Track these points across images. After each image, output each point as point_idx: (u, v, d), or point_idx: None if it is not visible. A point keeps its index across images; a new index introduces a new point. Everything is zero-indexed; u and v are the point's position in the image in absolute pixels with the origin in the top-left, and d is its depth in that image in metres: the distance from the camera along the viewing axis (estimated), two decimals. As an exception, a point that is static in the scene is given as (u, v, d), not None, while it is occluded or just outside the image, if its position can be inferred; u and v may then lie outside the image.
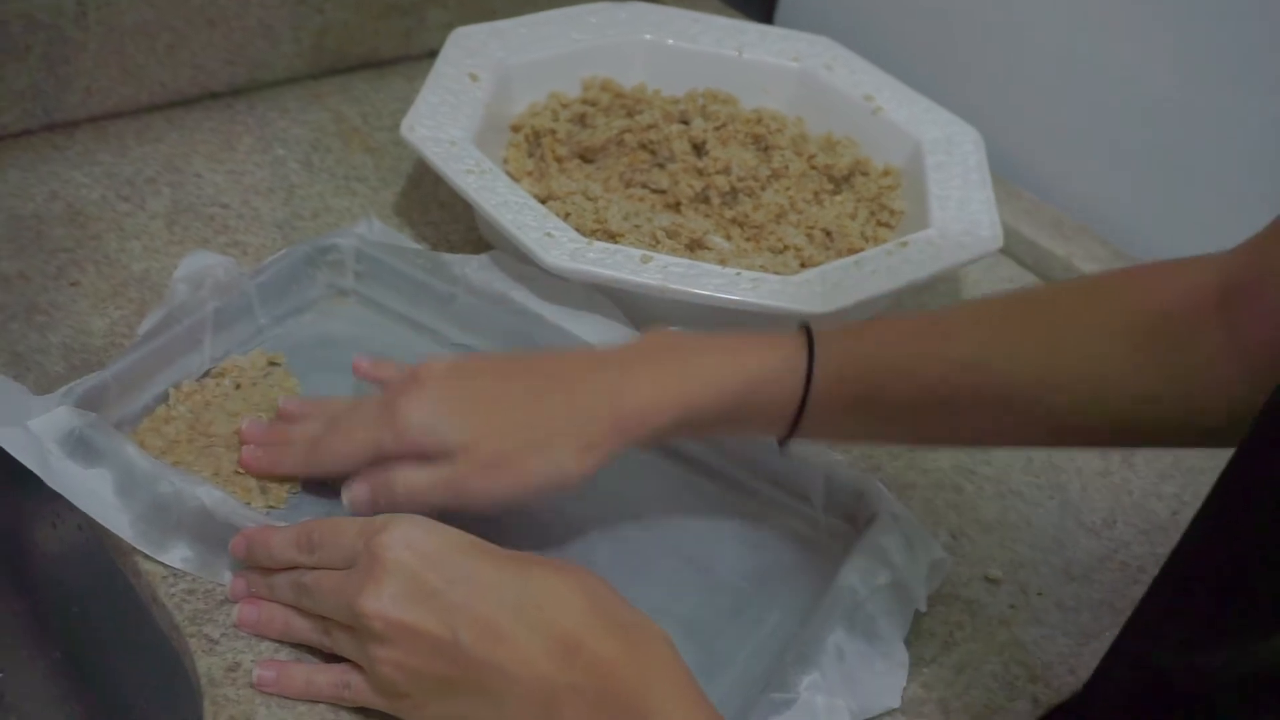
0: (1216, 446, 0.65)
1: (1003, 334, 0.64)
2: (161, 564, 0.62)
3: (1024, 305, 0.66)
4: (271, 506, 0.66)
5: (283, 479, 0.67)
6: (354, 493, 0.64)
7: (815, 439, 0.67)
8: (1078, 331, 0.63)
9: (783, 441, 0.66)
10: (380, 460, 0.63)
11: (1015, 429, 0.64)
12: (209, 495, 0.61)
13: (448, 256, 0.79)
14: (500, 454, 0.62)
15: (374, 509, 0.62)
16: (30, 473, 0.63)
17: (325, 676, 0.58)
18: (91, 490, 0.62)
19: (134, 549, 0.62)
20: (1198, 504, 0.79)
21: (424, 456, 0.62)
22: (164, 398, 0.70)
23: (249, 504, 0.65)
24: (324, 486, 0.68)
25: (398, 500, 0.62)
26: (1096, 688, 0.57)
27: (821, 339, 0.64)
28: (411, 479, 0.62)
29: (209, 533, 0.62)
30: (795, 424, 0.64)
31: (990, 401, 0.63)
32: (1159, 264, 0.65)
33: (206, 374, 0.72)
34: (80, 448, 0.63)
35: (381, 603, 0.54)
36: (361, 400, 0.67)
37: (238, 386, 0.71)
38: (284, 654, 0.60)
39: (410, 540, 0.55)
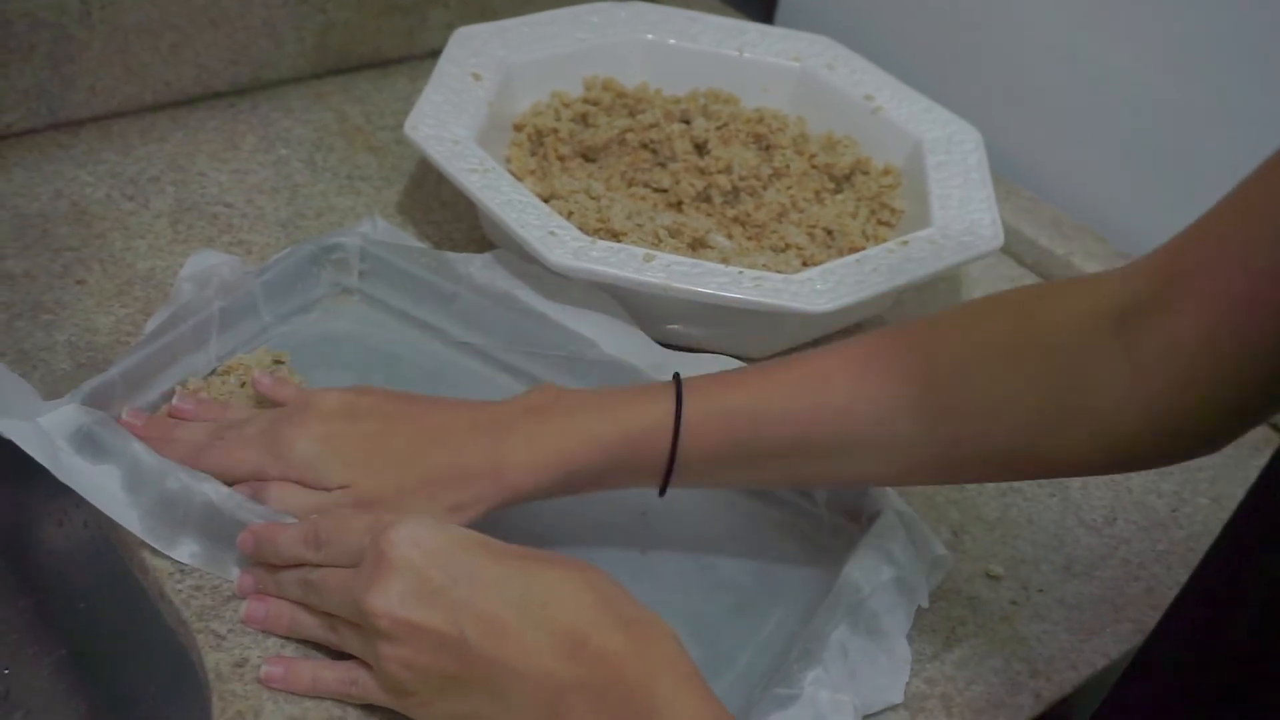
0: (1118, 473, 0.65)
1: (875, 374, 0.62)
2: (169, 560, 0.63)
3: (899, 339, 0.64)
4: None
5: None
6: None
7: (693, 486, 0.66)
8: (961, 358, 0.62)
9: (662, 491, 0.66)
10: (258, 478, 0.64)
11: (903, 467, 0.64)
12: (216, 491, 0.62)
13: (451, 255, 0.79)
14: (375, 498, 0.62)
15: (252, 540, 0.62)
16: (36, 470, 0.63)
17: (332, 673, 0.58)
18: (101, 486, 0.63)
19: (141, 545, 0.63)
20: (1196, 501, 0.80)
21: (302, 483, 0.63)
22: (170, 396, 0.70)
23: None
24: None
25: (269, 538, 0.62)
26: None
27: (692, 390, 0.64)
28: (286, 498, 0.63)
29: (216, 528, 0.62)
30: (668, 475, 0.64)
31: (871, 444, 0.62)
32: (1054, 284, 0.65)
33: (212, 372, 0.72)
34: (89, 444, 0.63)
35: (388, 601, 0.54)
36: (249, 417, 0.67)
37: (243, 384, 0.72)
38: (290, 650, 0.60)
39: (417, 538, 0.55)
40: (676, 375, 0.65)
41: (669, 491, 0.72)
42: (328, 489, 0.63)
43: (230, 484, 0.63)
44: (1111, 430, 0.59)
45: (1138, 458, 0.61)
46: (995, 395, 0.60)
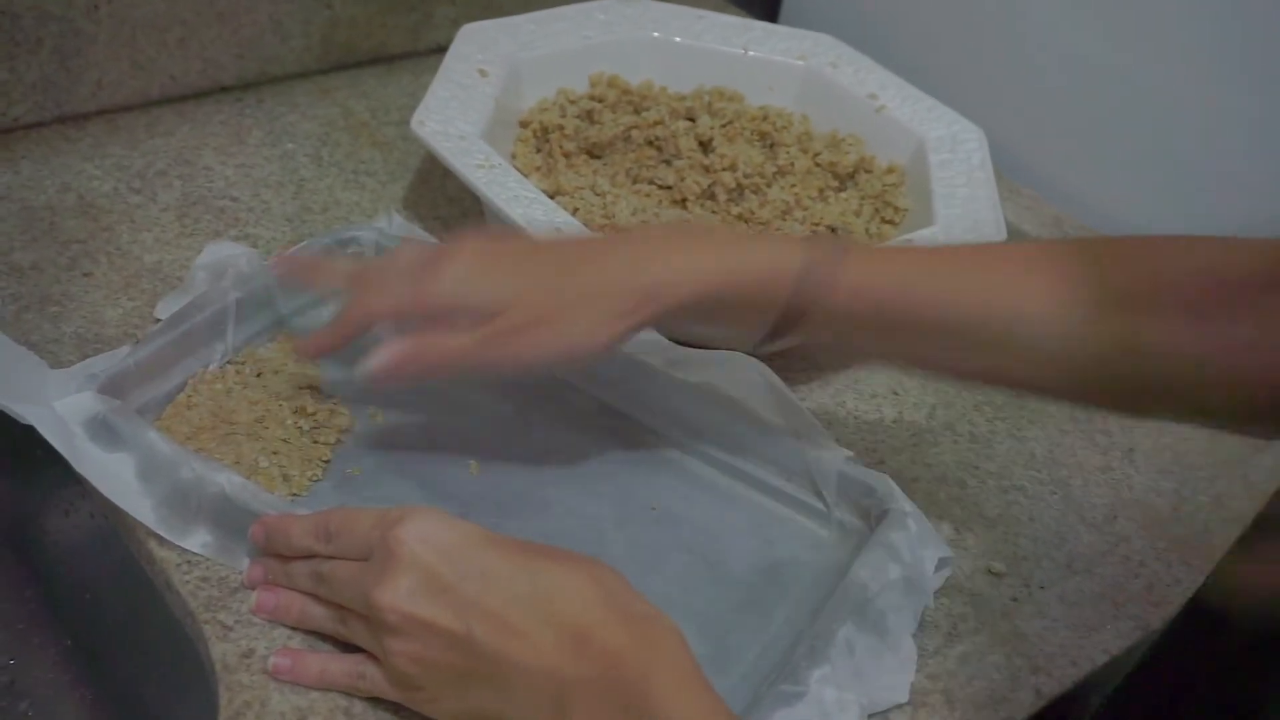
0: (1246, 431, 0.64)
1: (1054, 274, 0.61)
2: (176, 551, 0.63)
3: (1075, 251, 0.63)
4: (294, 494, 0.67)
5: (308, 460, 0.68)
6: (379, 358, 0.63)
7: (826, 342, 0.67)
8: (1151, 276, 0.60)
9: (789, 335, 0.64)
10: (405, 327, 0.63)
11: (1067, 376, 0.62)
12: (229, 481, 0.62)
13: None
14: (536, 315, 0.62)
15: (398, 373, 0.63)
16: (43, 461, 0.64)
17: (340, 666, 0.59)
18: (115, 475, 0.63)
19: (148, 536, 0.63)
20: (1197, 499, 0.80)
21: (454, 323, 0.62)
22: (185, 386, 0.70)
23: (271, 490, 0.66)
24: (347, 475, 0.69)
25: (428, 363, 0.62)
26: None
27: (852, 250, 0.63)
28: (443, 343, 0.62)
29: (229, 519, 0.62)
30: (802, 317, 0.63)
31: (1035, 340, 0.61)
32: (1220, 238, 0.63)
33: (228, 362, 0.72)
34: (103, 432, 0.64)
35: (396, 596, 0.55)
36: (392, 257, 0.66)
37: (259, 375, 0.72)
38: (298, 641, 0.61)
39: (425, 534, 0.56)
40: (833, 228, 0.64)
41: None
42: (487, 311, 0.61)
43: (370, 325, 0.63)
44: (1226, 390, 0.58)
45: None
46: (1176, 324, 0.58)
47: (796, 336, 0.64)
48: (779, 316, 0.63)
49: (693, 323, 0.66)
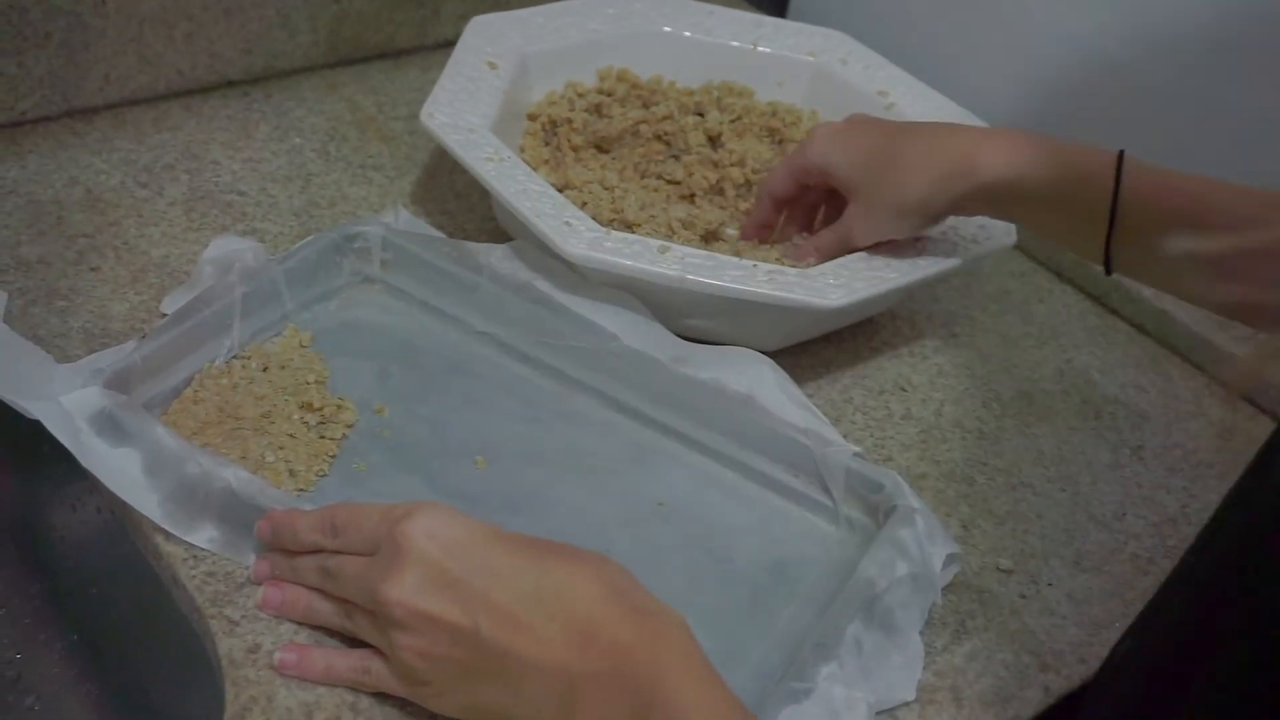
0: None
1: None
2: (182, 546, 0.63)
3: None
4: (300, 489, 0.66)
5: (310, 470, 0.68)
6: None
7: (1129, 267, 0.71)
8: None
9: (1107, 258, 0.70)
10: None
11: None
12: (236, 476, 0.62)
13: (473, 245, 0.79)
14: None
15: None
16: (49, 456, 0.64)
17: (346, 661, 0.59)
18: (121, 470, 0.63)
19: (154, 531, 0.63)
20: (1206, 497, 0.80)
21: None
22: (191, 381, 0.70)
23: (277, 486, 0.65)
24: (353, 470, 0.69)
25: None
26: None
27: (1137, 162, 0.69)
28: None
29: (235, 514, 0.62)
30: (1113, 221, 0.68)
31: None
32: None
33: (234, 357, 0.72)
34: (109, 427, 0.64)
35: (404, 591, 0.54)
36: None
37: (265, 369, 0.72)
38: (304, 637, 0.61)
39: (432, 529, 0.56)
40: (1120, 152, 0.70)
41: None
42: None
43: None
44: None
45: None
46: None
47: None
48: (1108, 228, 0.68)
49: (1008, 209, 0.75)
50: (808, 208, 0.86)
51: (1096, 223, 0.70)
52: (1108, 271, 0.71)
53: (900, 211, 0.76)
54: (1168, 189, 0.68)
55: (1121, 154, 0.69)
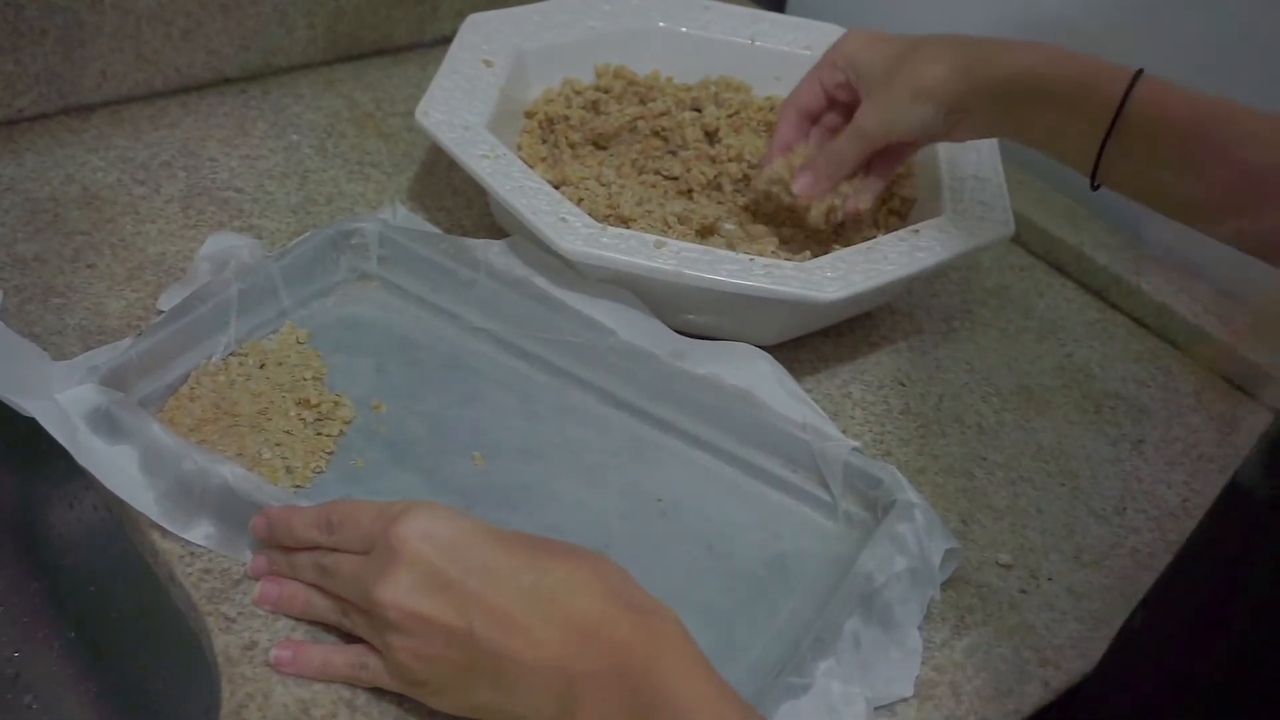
0: None
1: None
2: (179, 543, 0.63)
3: None
4: (297, 486, 0.66)
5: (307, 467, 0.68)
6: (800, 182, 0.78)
7: (1120, 184, 0.71)
8: None
9: (1094, 171, 0.70)
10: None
11: None
12: (232, 473, 0.62)
13: (470, 241, 0.79)
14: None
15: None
16: (47, 454, 0.64)
17: (342, 657, 0.58)
18: (117, 467, 0.63)
19: (151, 528, 0.63)
20: (1207, 491, 0.80)
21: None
22: (187, 378, 0.70)
23: (274, 482, 0.65)
24: (350, 467, 0.69)
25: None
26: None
27: (1150, 78, 0.69)
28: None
29: (232, 511, 0.62)
30: (1112, 126, 0.68)
31: None
32: None
33: (231, 354, 0.72)
34: (106, 425, 0.64)
35: (397, 593, 0.54)
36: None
37: (261, 366, 0.72)
38: (300, 633, 0.60)
39: (426, 530, 0.55)
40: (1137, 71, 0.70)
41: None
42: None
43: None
44: None
45: None
46: None
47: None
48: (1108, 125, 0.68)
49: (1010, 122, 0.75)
50: (828, 130, 0.85)
51: (1099, 130, 0.69)
52: (1093, 185, 0.71)
53: (915, 94, 0.76)
54: (1183, 101, 0.68)
55: (1139, 71, 0.69)
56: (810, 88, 0.84)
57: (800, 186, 0.82)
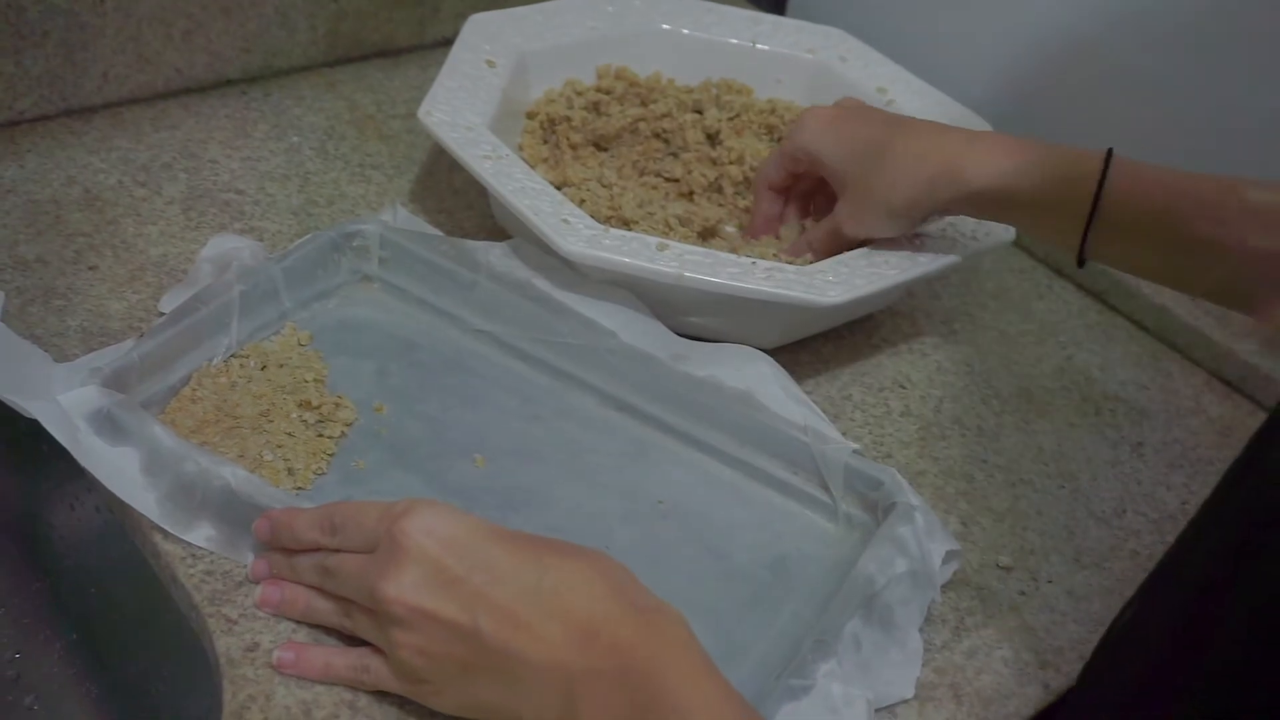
0: None
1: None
2: (180, 545, 0.63)
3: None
4: (299, 488, 0.66)
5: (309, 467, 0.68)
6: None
7: (1107, 259, 0.72)
8: None
9: (1081, 253, 0.71)
10: None
11: None
12: (234, 475, 0.62)
13: (471, 243, 0.79)
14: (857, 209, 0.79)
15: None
16: (48, 455, 0.64)
17: (344, 659, 0.59)
18: (119, 469, 0.63)
19: (153, 530, 0.63)
20: (1206, 494, 0.80)
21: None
22: (189, 379, 0.70)
23: (275, 484, 0.65)
24: (352, 468, 0.69)
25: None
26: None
27: (1121, 161, 0.70)
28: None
29: (233, 513, 0.62)
30: (1090, 221, 0.69)
31: None
32: None
33: (232, 356, 0.72)
34: (107, 426, 0.64)
35: (402, 589, 0.54)
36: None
37: (263, 368, 0.72)
38: (302, 635, 0.60)
39: (431, 527, 0.55)
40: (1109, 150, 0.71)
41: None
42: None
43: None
44: None
45: None
46: None
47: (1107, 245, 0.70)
48: (1085, 224, 0.69)
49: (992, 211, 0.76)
50: (803, 196, 0.87)
51: (1079, 223, 0.70)
52: (1079, 264, 0.72)
53: (889, 213, 0.77)
54: (1157, 185, 0.69)
55: (1109, 153, 0.70)
56: (778, 167, 0.85)
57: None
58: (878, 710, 0.62)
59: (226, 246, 0.76)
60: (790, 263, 0.78)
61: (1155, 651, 0.53)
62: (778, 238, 0.85)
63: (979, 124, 0.93)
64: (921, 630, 0.66)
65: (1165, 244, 0.68)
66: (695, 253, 0.74)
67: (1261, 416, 0.88)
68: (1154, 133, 0.99)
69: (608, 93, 0.94)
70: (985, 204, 0.75)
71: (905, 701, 0.63)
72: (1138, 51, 0.98)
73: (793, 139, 0.82)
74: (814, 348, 0.84)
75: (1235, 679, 0.47)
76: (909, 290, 0.90)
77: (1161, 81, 0.97)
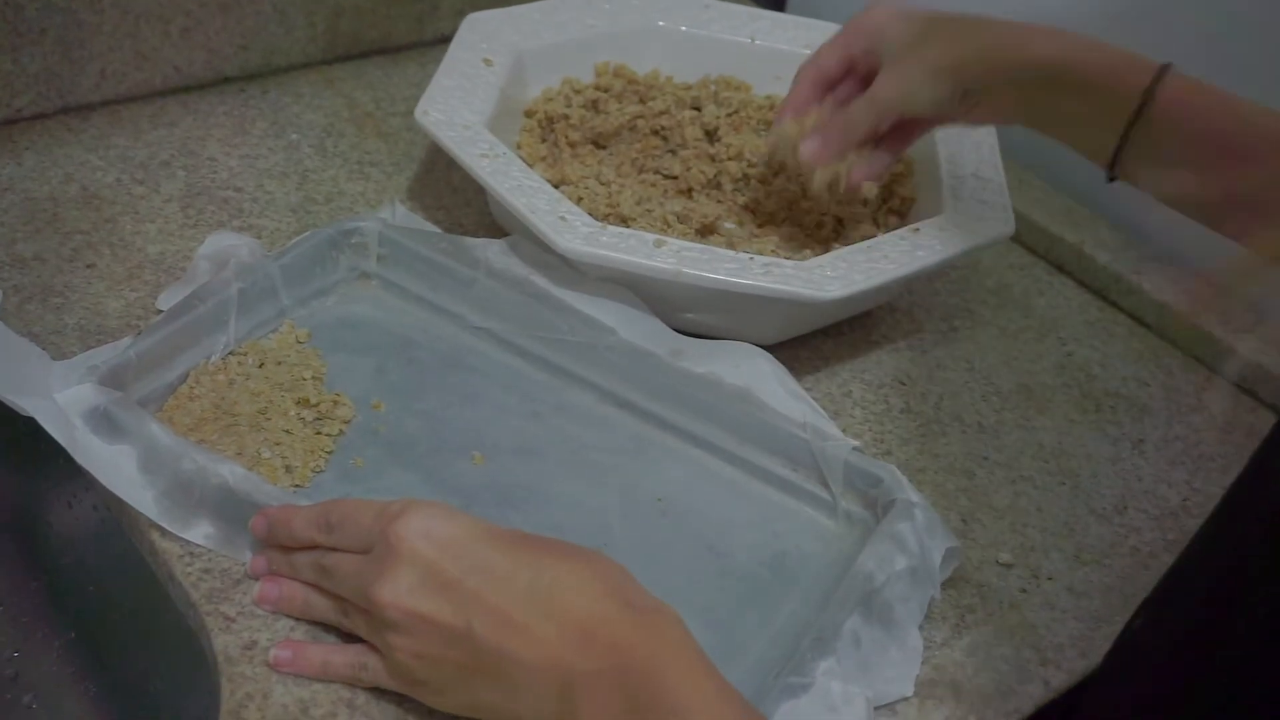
0: None
1: None
2: (178, 543, 0.63)
3: None
4: (297, 485, 0.66)
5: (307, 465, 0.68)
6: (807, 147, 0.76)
7: (1140, 178, 0.70)
8: None
9: (1113, 165, 0.69)
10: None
11: None
12: (231, 473, 0.62)
13: (469, 241, 0.79)
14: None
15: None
16: (46, 454, 0.63)
17: (342, 657, 0.58)
18: (116, 467, 0.63)
19: (151, 528, 0.63)
20: (1208, 490, 0.80)
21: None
22: (187, 377, 0.70)
23: (273, 482, 0.65)
24: (350, 466, 0.69)
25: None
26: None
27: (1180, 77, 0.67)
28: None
29: (231, 510, 0.62)
30: (1136, 119, 0.67)
31: None
32: None
33: (230, 353, 0.72)
34: (105, 424, 0.63)
35: (397, 592, 0.54)
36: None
37: (261, 366, 0.72)
38: (300, 633, 0.60)
39: (426, 529, 0.55)
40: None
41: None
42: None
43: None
44: None
45: None
46: None
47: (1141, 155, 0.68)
48: (1131, 117, 0.67)
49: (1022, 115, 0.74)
50: (841, 102, 0.82)
51: (1121, 121, 0.68)
52: (1110, 177, 0.70)
53: (935, 70, 0.74)
54: (1212, 102, 0.67)
55: (1167, 65, 0.68)
56: (832, 52, 0.81)
57: (807, 150, 0.79)
58: (877, 708, 0.62)
59: (224, 244, 0.76)
60: (789, 258, 0.77)
61: (1165, 662, 0.53)
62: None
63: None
64: (921, 628, 0.66)
65: (1208, 167, 0.66)
66: (692, 249, 0.74)
67: (1262, 413, 0.88)
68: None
69: (606, 90, 0.94)
70: (1033, 84, 0.72)
71: (905, 699, 0.63)
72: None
73: (860, 17, 0.79)
74: (813, 344, 0.84)
75: (1247, 690, 0.47)
76: (908, 286, 0.90)
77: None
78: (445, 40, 0.92)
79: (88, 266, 0.78)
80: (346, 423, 0.71)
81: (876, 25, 0.79)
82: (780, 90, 0.98)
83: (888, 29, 0.78)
